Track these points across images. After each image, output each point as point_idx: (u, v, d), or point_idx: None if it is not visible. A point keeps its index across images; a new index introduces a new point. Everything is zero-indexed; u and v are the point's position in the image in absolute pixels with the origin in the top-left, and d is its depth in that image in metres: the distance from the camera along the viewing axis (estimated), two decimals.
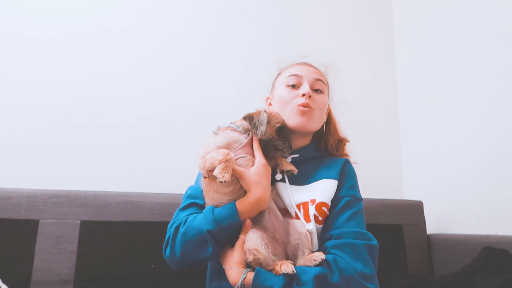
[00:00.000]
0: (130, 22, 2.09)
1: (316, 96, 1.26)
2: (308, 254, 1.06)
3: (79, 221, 1.51)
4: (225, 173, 1.04)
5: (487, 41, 1.93)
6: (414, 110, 2.43)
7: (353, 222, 1.13)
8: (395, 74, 2.60)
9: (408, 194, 2.40)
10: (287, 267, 0.99)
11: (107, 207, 1.56)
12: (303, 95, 1.22)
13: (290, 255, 1.09)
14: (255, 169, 1.11)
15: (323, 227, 1.15)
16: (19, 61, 1.87)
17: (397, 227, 1.97)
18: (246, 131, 1.20)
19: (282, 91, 1.28)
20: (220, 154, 1.06)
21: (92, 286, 1.47)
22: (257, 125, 1.17)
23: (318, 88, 1.28)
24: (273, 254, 1.05)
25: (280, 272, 0.99)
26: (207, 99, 2.13)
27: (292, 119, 1.23)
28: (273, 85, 1.37)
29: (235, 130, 1.19)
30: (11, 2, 1.88)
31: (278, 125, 1.20)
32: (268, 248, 1.04)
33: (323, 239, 1.13)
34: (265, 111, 1.21)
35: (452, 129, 2.10)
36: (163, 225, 1.56)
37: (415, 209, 2.05)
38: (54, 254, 1.45)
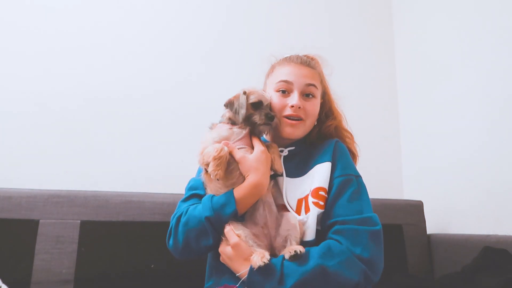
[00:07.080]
0: (134, 24, 2.09)
1: (307, 104, 1.23)
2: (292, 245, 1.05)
3: (79, 221, 1.51)
4: (218, 170, 1.06)
5: (488, 41, 1.93)
6: (414, 110, 2.43)
7: (355, 204, 1.12)
8: (395, 74, 2.60)
9: (408, 194, 2.39)
10: (257, 261, 0.98)
11: (107, 207, 1.56)
12: (292, 106, 1.21)
13: (279, 247, 1.08)
14: (254, 155, 1.13)
15: (324, 212, 1.12)
16: (19, 62, 1.87)
17: (397, 227, 1.96)
18: (229, 120, 1.20)
19: (273, 95, 1.25)
20: (214, 150, 1.07)
21: (92, 286, 1.48)
22: (238, 110, 1.17)
23: (309, 92, 1.24)
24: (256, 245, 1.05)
25: (252, 263, 0.99)
26: (207, 99, 2.12)
27: (282, 129, 1.23)
28: (265, 83, 1.35)
29: (224, 122, 1.21)
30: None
31: (253, 101, 1.18)
32: (250, 238, 1.05)
33: (326, 226, 1.12)
34: (244, 92, 1.19)
35: (452, 129, 2.10)
36: (163, 225, 1.55)
37: (415, 209, 2.04)
38: (54, 254, 1.46)
